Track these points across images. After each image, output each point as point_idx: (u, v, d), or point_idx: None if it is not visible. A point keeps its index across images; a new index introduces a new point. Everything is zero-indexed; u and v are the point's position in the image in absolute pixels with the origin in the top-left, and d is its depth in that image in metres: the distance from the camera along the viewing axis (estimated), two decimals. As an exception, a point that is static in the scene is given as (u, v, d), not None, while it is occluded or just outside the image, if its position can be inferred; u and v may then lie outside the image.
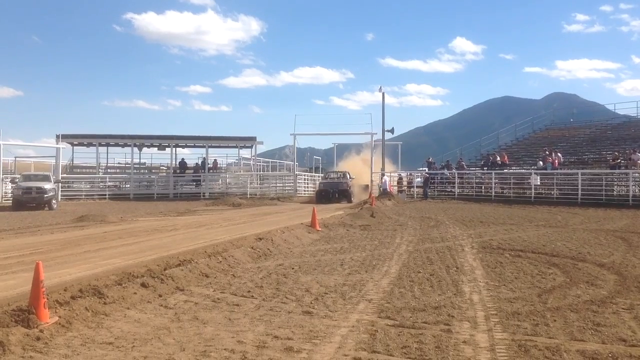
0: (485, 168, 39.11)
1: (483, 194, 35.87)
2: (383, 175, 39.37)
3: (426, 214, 24.69)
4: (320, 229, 17.25)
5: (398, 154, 49.51)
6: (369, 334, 6.24)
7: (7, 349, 5.46)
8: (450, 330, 6.39)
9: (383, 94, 41.24)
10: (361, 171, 43.74)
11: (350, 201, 34.18)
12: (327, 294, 8.44)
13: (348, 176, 38.03)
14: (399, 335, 6.18)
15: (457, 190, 37.09)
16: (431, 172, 39.89)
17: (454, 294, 8.41)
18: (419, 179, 40.91)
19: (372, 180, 39.44)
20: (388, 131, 40.97)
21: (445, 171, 39.94)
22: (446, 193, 37.74)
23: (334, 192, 35.60)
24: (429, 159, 43.12)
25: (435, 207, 29.80)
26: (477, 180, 38.39)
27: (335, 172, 41.46)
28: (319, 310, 7.41)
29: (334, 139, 49.98)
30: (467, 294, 8.47)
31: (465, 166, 41.00)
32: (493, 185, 35.70)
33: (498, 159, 39.40)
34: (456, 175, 38.16)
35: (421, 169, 44.17)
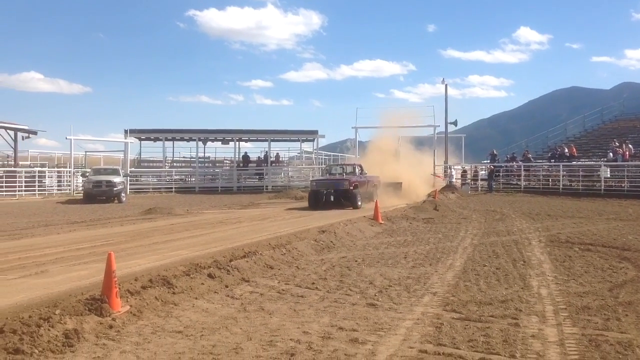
0: (553, 160, 38.14)
1: (550, 186, 35.01)
2: (450, 168, 38.92)
3: (491, 207, 24.26)
4: (382, 222, 17.20)
5: (461, 147, 48.77)
6: (434, 326, 6.20)
7: (82, 336, 5.66)
8: (518, 324, 6.28)
9: (446, 85, 40.68)
10: (389, 167, 34.17)
11: (356, 206, 24.37)
12: (391, 286, 8.41)
13: (358, 171, 27.49)
14: (465, 328, 6.11)
15: (523, 183, 36.30)
16: (496, 164, 39.18)
17: (522, 288, 8.25)
18: (483, 172, 40.27)
19: (434, 174, 38.93)
20: (451, 123, 40.42)
21: (514, 163, 39.16)
22: (512, 186, 37.00)
23: (328, 193, 25.02)
24: (493, 151, 42.33)
25: (500, 200, 29.25)
26: (544, 173, 37.49)
27: (341, 165, 31.52)
28: (383, 302, 7.40)
29: (396, 132, 49.52)
30: (535, 287, 8.31)
31: (531, 158, 40.08)
32: (561, 177, 34.80)
33: (566, 150, 38.35)
34: (522, 167, 37.37)
35: (485, 161, 43.41)
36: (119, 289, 6.66)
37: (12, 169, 38.27)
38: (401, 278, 9.02)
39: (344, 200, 24.88)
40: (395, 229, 16.26)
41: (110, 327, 6.02)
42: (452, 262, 10.51)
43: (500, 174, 38.35)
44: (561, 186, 34.01)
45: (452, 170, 38.94)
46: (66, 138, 39.67)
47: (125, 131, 43.07)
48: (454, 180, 37.68)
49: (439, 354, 5.30)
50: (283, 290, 8.19)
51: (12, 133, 40.82)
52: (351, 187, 24.86)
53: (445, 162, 39.96)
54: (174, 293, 7.47)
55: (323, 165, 47.70)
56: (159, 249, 12.20)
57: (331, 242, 13.04)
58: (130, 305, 6.66)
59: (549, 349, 5.48)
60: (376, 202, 18.23)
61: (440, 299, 7.55)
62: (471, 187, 38.08)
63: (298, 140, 49.71)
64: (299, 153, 52.14)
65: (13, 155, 41.61)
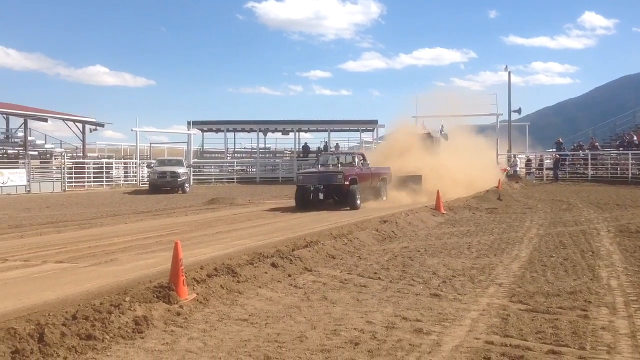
0: (621, 148, 36.97)
1: (618, 175, 33.98)
2: (514, 156, 38.21)
3: (557, 197, 23.72)
4: (445, 212, 17.00)
5: (526, 135, 47.69)
6: (500, 318, 6.09)
7: (151, 323, 5.79)
8: (588, 316, 6.11)
9: (509, 73, 39.87)
10: (419, 158, 27.05)
11: (354, 206, 19.44)
12: (454, 277, 8.31)
13: (358, 162, 21.69)
14: (532, 320, 5.98)
15: (590, 172, 35.33)
16: (562, 153, 38.23)
17: (590, 279, 8.02)
18: (548, 161, 39.38)
19: (497, 163, 38.21)
20: (515, 111, 39.63)
21: (580, 152, 38.14)
22: (578, 175, 36.07)
23: (316, 190, 19.68)
24: (559, 139, 41.29)
25: (566, 190, 28.56)
26: (611, 162, 36.42)
27: (337, 154, 25.56)
28: (447, 293, 7.31)
29: (457, 121, 48.76)
30: (604, 279, 8.07)
31: (598, 146, 38.92)
32: (630, 166, 33.72)
33: (635, 138, 37.06)
34: (589, 156, 36.35)
35: (550, 150, 42.41)
36: (186, 277, 6.79)
37: (81, 160, 39.52)
38: (465, 268, 8.90)
39: (338, 199, 20.08)
40: (458, 219, 16.06)
41: (178, 314, 6.15)
42: (517, 253, 10.31)
43: (566, 163, 37.46)
44: (630, 175, 32.98)
45: (517, 159, 38.22)
46: (132, 130, 40.77)
47: (188, 123, 43.89)
48: (518, 169, 37.00)
49: (505, 345, 5.20)
50: (345, 279, 8.20)
51: (80, 125, 42.20)
52: (346, 182, 19.43)
53: (509, 151, 39.24)
54: (238, 281, 7.57)
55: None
56: (222, 238, 12.41)
57: (393, 232, 12.97)
58: (197, 293, 6.78)
59: (619, 341, 5.31)
60: (437, 192, 17.90)
61: (506, 290, 7.41)
62: (536, 177, 37.33)
63: (357, 130, 49.68)
64: (358, 143, 52.04)
65: (81, 147, 43.01)
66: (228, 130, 48.83)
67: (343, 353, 5.02)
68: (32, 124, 43.28)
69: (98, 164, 39.61)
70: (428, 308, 6.52)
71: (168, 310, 6.17)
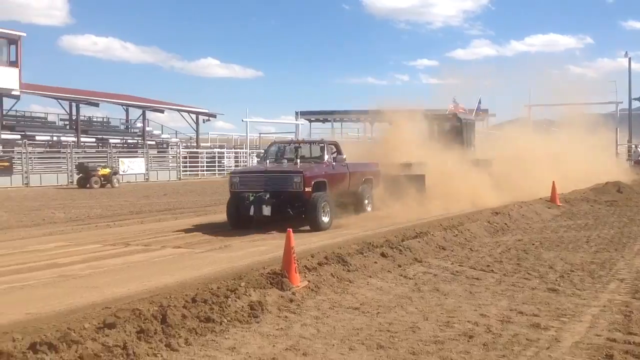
0: None
1: None
2: (635, 147, 36.28)
3: (684, 190, 22.28)
4: (560, 204, 16.33)
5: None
6: (623, 314, 5.79)
7: (265, 308, 5.93)
8: None
9: (629, 59, 38.00)
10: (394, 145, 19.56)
11: (317, 225, 12.43)
12: (572, 271, 7.97)
13: (329, 156, 14.28)
14: (658, 318, 5.66)
15: None
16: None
17: None
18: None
19: (617, 153, 36.32)
20: (636, 99, 37.61)
21: None
22: None
23: (259, 200, 12.29)
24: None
25: (694, 182, 26.77)
26: None
27: (296, 143, 16.53)
28: (565, 288, 7.03)
29: (572, 110, 46.60)
30: None
31: None
32: None
33: None
34: None
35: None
36: (297, 264, 6.89)
37: (195, 150, 41.05)
38: (584, 263, 8.52)
39: (293, 213, 12.79)
40: (575, 211, 15.39)
41: (291, 300, 6.25)
42: (640, 248, 9.78)
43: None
44: None
45: (638, 149, 36.25)
46: (242, 120, 42.16)
47: (296, 113, 44.68)
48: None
49: (629, 342, 4.95)
50: (457, 271, 8.06)
51: (194, 116, 43.86)
52: (307, 188, 12.62)
53: (629, 140, 37.27)
54: (348, 270, 7.60)
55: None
56: (330, 228, 12.49)
57: (505, 224, 12.60)
58: (308, 281, 6.87)
59: None
60: (553, 183, 17.04)
61: (628, 286, 7.04)
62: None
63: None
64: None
65: (195, 137, 44.68)
66: (335, 121, 49.27)
67: (457, 345, 4.94)
68: (149, 115, 45.44)
69: (211, 153, 41.03)
70: (545, 303, 6.30)
71: (281, 297, 6.29)
